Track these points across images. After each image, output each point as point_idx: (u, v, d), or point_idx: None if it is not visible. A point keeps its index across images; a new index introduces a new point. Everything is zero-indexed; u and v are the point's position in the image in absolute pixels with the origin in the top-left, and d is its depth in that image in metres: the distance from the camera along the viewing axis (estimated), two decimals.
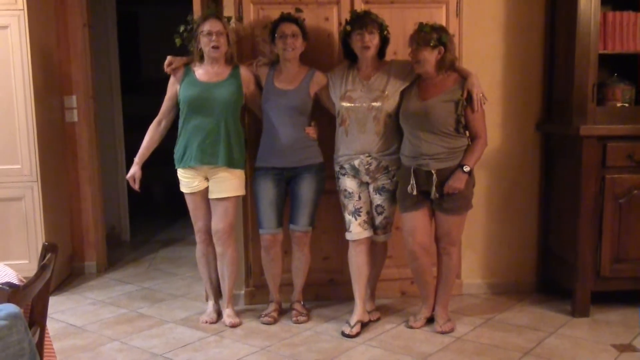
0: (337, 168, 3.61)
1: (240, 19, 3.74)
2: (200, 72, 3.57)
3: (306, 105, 3.61)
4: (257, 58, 3.74)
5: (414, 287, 3.97)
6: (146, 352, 3.37)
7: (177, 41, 3.67)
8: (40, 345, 2.04)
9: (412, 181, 3.39)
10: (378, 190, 3.56)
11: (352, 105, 3.48)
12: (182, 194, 3.70)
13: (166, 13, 7.67)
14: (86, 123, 4.75)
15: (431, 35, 3.31)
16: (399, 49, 3.75)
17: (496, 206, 4.17)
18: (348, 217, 3.58)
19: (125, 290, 4.46)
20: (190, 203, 3.67)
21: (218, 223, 3.63)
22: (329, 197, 3.78)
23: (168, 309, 4.04)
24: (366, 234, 3.57)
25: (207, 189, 3.62)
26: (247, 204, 3.90)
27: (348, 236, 3.60)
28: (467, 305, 4.02)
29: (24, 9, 4.00)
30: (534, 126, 4.12)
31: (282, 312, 3.87)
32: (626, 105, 3.76)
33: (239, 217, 3.87)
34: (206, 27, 3.47)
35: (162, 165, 4.48)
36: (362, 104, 3.46)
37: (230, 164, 3.56)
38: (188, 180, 3.61)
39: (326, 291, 4.10)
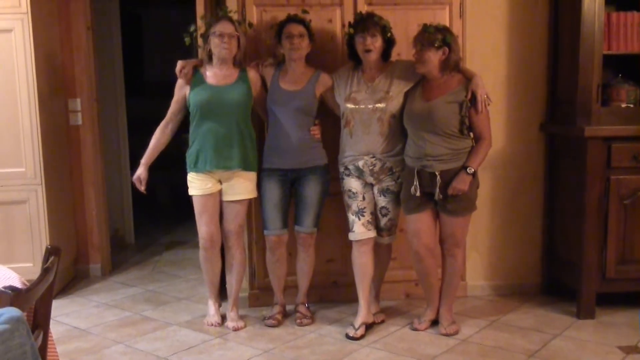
0: (341, 169, 3.61)
1: (244, 21, 3.74)
2: (209, 74, 3.57)
3: (311, 106, 3.61)
4: (262, 58, 3.73)
5: (419, 289, 3.97)
6: (150, 355, 3.37)
7: (187, 40, 3.67)
8: (43, 348, 2.04)
9: (416, 182, 3.39)
10: (382, 191, 3.56)
11: (357, 106, 3.48)
12: (186, 196, 3.70)
13: (169, 15, 7.72)
14: (90, 126, 4.76)
15: (435, 36, 3.31)
16: (402, 50, 3.74)
17: (500, 207, 4.16)
18: (351, 217, 3.57)
19: (129, 292, 4.47)
20: (198, 206, 3.62)
21: (229, 224, 3.64)
22: (333, 199, 3.77)
23: (172, 312, 4.04)
24: (369, 234, 3.57)
25: (219, 191, 3.62)
26: (251, 206, 3.89)
27: (351, 236, 3.59)
28: (471, 307, 4.00)
29: (27, 13, 4.00)
30: (538, 127, 4.10)
31: (286, 315, 3.86)
32: (631, 106, 3.74)
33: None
34: (218, 28, 3.47)
35: (166, 167, 4.48)
36: (367, 106, 3.46)
37: (245, 166, 3.58)
38: (200, 183, 3.59)
39: (330, 293, 4.09)
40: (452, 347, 3.42)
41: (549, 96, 4.07)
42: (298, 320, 3.76)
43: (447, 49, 3.33)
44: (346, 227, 3.65)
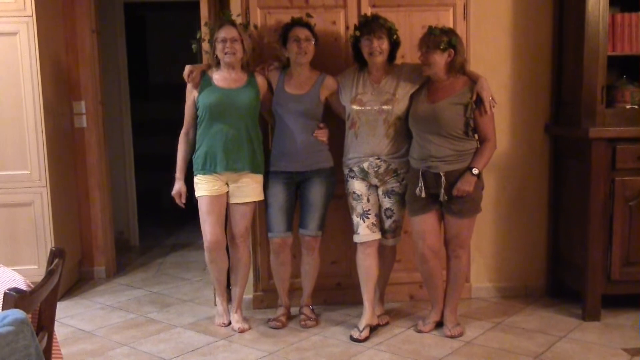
0: (346, 171, 3.61)
1: (247, 23, 3.75)
2: (217, 77, 3.57)
3: (317, 109, 3.61)
4: (269, 62, 3.74)
5: (423, 291, 3.96)
6: (155, 357, 3.37)
7: (194, 47, 3.68)
8: (48, 350, 2.04)
9: (421, 183, 3.39)
10: (387, 193, 3.56)
11: (363, 108, 3.48)
12: (191, 198, 3.70)
13: (174, 18, 7.73)
14: (95, 128, 4.77)
15: (441, 38, 3.31)
16: (406, 52, 3.74)
17: (505, 209, 4.15)
18: (356, 219, 3.57)
19: (134, 295, 4.47)
20: (205, 206, 3.60)
21: (236, 226, 3.65)
22: (336, 202, 3.77)
23: (177, 314, 4.05)
24: (374, 236, 3.56)
25: (226, 193, 3.62)
26: (255, 209, 3.89)
27: (356, 238, 3.59)
28: (476, 309, 4.00)
29: (32, 16, 4.02)
30: (542, 128, 4.10)
31: (291, 317, 3.86)
32: (635, 107, 3.73)
33: None
34: (221, 34, 3.48)
35: (170, 169, 4.49)
36: (373, 107, 3.46)
37: (254, 169, 3.58)
38: (208, 184, 3.58)
39: (334, 295, 4.09)
40: (457, 349, 3.41)
41: (554, 97, 4.06)
42: (302, 322, 3.76)
43: (452, 51, 3.33)
44: (350, 229, 3.65)
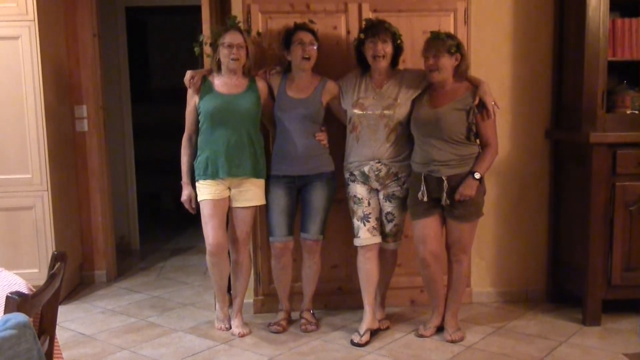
0: (347, 174, 3.62)
1: (250, 29, 3.75)
2: (218, 83, 3.57)
3: (318, 114, 3.62)
4: (269, 66, 3.75)
5: (424, 296, 3.96)
6: None
7: (196, 50, 3.68)
8: (49, 354, 2.04)
9: (423, 187, 3.39)
10: (388, 197, 3.56)
11: (364, 112, 3.49)
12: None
13: (175, 22, 7.75)
14: (96, 132, 4.78)
15: (448, 42, 3.32)
16: (406, 57, 3.74)
17: (506, 214, 4.15)
18: (357, 222, 3.57)
19: (134, 299, 4.47)
20: (208, 210, 3.58)
21: (237, 230, 3.65)
22: (337, 206, 3.78)
23: (177, 318, 4.05)
24: (375, 240, 3.57)
25: (228, 197, 3.62)
26: (256, 213, 3.89)
27: (356, 242, 3.59)
28: (477, 314, 4.00)
29: (34, 20, 4.03)
30: (543, 133, 4.10)
31: (291, 321, 3.86)
32: (636, 112, 3.74)
33: None
34: (227, 39, 3.48)
35: (171, 173, 4.50)
36: (374, 112, 3.47)
37: (256, 173, 3.59)
38: (210, 188, 3.57)
39: (335, 300, 4.09)
40: (457, 353, 3.41)
41: (554, 103, 4.07)
42: (303, 327, 3.76)
43: (459, 55, 3.35)
44: (351, 234, 3.65)
